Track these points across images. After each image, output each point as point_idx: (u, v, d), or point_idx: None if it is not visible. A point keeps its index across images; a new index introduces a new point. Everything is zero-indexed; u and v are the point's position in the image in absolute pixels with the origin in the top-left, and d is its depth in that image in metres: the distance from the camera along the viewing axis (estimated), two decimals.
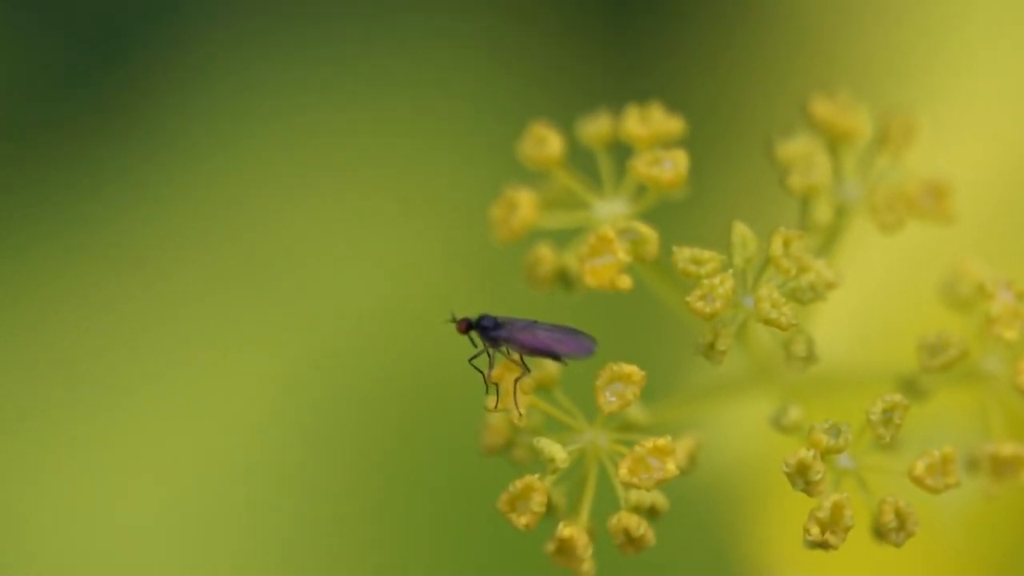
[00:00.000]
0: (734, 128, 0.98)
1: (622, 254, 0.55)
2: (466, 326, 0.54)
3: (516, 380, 0.53)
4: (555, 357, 0.54)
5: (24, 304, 1.11)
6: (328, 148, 1.13)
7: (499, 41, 1.15)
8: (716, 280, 0.54)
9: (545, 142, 0.57)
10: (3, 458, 1.07)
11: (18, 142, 1.15)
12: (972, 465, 0.56)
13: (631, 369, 0.53)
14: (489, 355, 0.54)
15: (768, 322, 0.54)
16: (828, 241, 0.58)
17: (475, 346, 0.54)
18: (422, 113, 1.13)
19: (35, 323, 1.10)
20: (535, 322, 0.54)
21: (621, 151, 0.57)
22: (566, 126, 0.57)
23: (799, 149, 0.57)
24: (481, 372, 0.53)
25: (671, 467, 0.52)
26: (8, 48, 1.15)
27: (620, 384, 0.53)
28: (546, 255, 0.57)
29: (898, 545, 0.54)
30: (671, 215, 0.57)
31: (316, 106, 1.14)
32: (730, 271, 0.54)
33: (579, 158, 0.57)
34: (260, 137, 1.13)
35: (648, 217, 0.56)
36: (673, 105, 0.57)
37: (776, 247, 0.54)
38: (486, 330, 0.54)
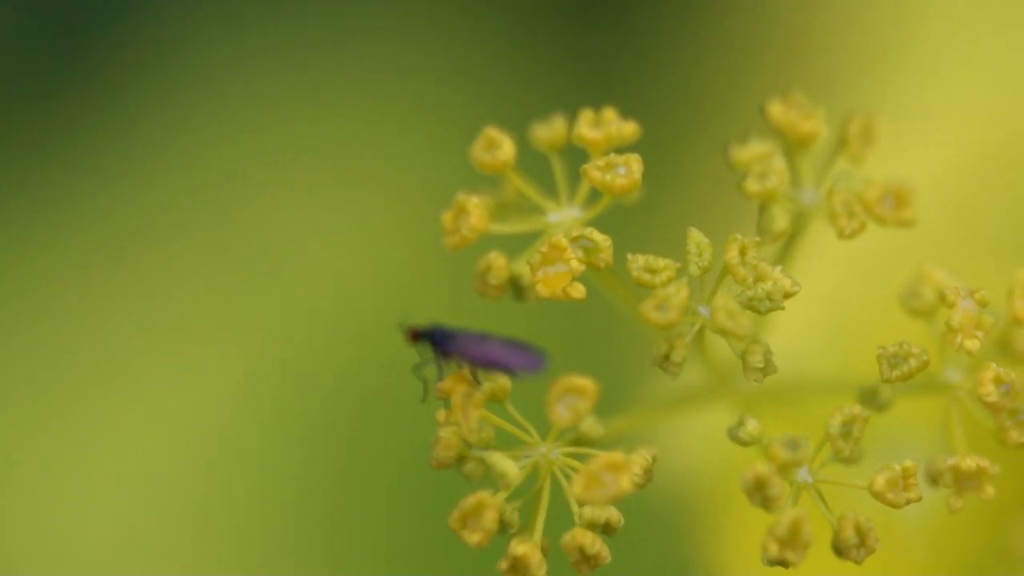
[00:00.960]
0: (693, 129, 0.96)
1: (575, 262, 0.53)
2: (415, 336, 0.53)
3: (466, 393, 0.52)
4: (506, 371, 0.52)
5: None
6: (297, 136, 1.12)
7: (467, 34, 1.14)
8: (671, 289, 0.52)
9: (497, 147, 0.55)
10: None
11: None
12: (933, 478, 0.55)
13: (584, 382, 0.51)
14: (439, 366, 0.52)
15: (724, 332, 0.52)
16: (786, 248, 0.57)
17: (424, 356, 0.52)
18: (395, 100, 1.12)
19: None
20: (487, 335, 0.53)
21: (577, 155, 0.56)
22: (523, 124, 0.56)
23: (756, 153, 0.56)
24: (424, 384, 0.52)
25: (625, 483, 0.51)
26: None
27: (573, 397, 0.51)
28: (498, 263, 0.55)
29: (858, 562, 0.53)
30: (626, 220, 0.56)
31: (288, 91, 1.12)
32: (685, 279, 0.53)
33: (536, 163, 0.56)
34: (230, 123, 1.12)
35: (602, 223, 0.55)
36: (631, 107, 0.55)
37: (732, 255, 0.53)
38: (436, 342, 0.52)
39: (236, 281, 1.09)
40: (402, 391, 1.01)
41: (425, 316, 0.54)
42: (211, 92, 1.12)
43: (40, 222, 1.11)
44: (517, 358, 0.52)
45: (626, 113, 0.56)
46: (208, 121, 1.12)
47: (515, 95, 1.10)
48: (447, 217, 0.56)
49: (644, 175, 0.55)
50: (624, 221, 0.56)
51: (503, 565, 0.52)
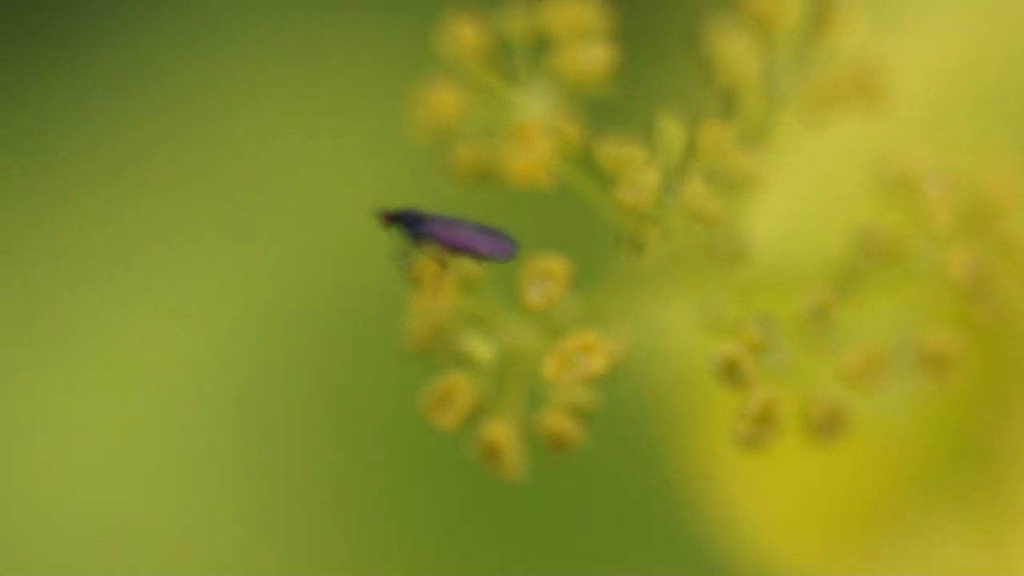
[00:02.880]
0: (662, 16, 0.96)
1: (544, 149, 0.53)
2: (389, 218, 0.52)
3: (438, 276, 0.52)
4: (475, 256, 0.52)
5: None
6: (266, 67, 1.11)
7: None
8: (641, 173, 0.52)
9: (463, 35, 0.55)
10: None
11: None
12: (903, 363, 0.55)
13: (556, 264, 0.51)
14: (412, 251, 0.52)
15: (695, 216, 0.52)
16: (757, 134, 0.56)
17: (398, 241, 0.52)
18: (351, 25, 1.11)
19: None
20: (460, 219, 0.52)
21: (542, 44, 0.55)
22: (485, 16, 0.55)
23: (726, 38, 0.56)
24: (400, 267, 0.52)
25: (597, 364, 0.51)
26: None
27: (545, 280, 0.51)
28: (467, 152, 0.55)
29: (829, 444, 0.53)
30: (595, 109, 0.55)
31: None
32: (655, 164, 0.52)
33: (499, 51, 0.56)
34: (218, 62, 1.11)
35: (571, 111, 0.55)
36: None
37: (703, 139, 0.53)
38: (408, 223, 0.52)
39: (228, 218, 1.08)
40: (391, 313, 1.01)
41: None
42: (204, 29, 1.11)
43: (35, 148, 1.10)
44: (488, 244, 0.52)
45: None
46: (199, 58, 1.11)
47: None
48: (414, 109, 0.55)
49: (613, 65, 0.55)
50: (595, 113, 0.56)
51: (476, 449, 0.52)
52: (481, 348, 0.51)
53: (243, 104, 1.10)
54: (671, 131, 0.53)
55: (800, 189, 0.69)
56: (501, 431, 0.52)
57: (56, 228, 1.09)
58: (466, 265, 0.53)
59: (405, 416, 0.98)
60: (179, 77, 1.11)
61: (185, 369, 1.06)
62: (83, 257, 1.08)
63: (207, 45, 1.12)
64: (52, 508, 1.03)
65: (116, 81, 1.11)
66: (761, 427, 0.52)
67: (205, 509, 1.03)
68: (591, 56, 0.54)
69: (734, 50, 0.55)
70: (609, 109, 0.56)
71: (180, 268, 1.07)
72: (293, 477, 1.04)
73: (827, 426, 0.53)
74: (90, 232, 1.08)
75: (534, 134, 0.53)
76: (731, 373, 0.52)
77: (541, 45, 0.56)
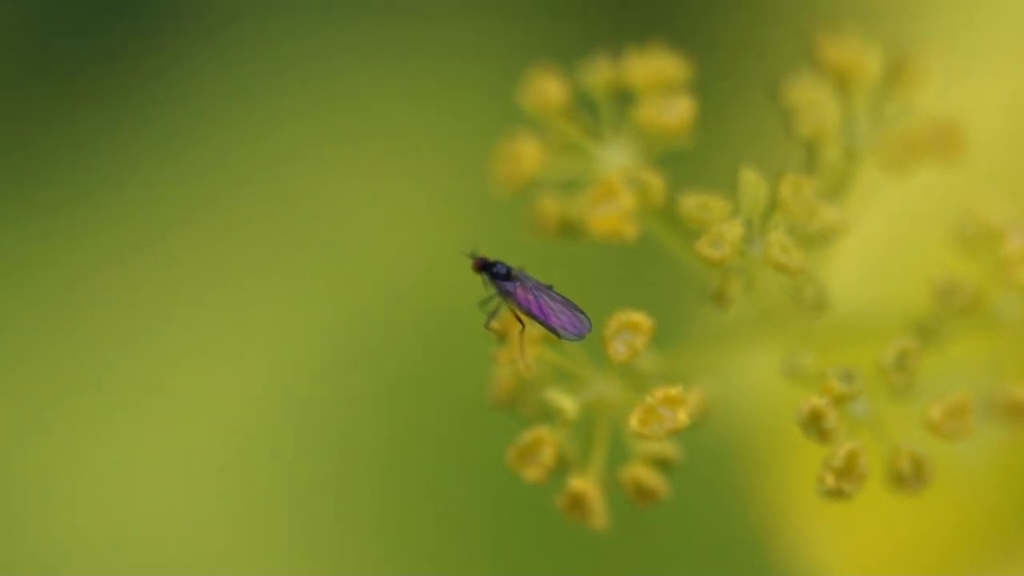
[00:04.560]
0: (740, 68, 0.96)
1: (627, 202, 0.53)
2: (480, 265, 0.53)
3: (522, 330, 0.52)
4: (546, 327, 0.52)
5: (26, 287, 1.10)
6: (329, 116, 1.12)
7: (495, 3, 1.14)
8: (724, 226, 0.53)
9: (545, 89, 0.56)
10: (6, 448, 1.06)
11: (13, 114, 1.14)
12: (988, 411, 0.55)
13: (640, 318, 0.52)
14: (498, 303, 0.53)
15: (778, 268, 0.53)
16: (837, 186, 0.57)
17: (486, 290, 0.53)
18: (422, 73, 1.12)
19: (37, 309, 1.09)
20: (547, 287, 0.53)
21: (625, 97, 0.56)
22: (567, 71, 0.56)
23: (806, 91, 0.56)
24: (488, 315, 0.52)
25: (682, 417, 0.51)
26: (13, 14, 1.14)
27: (629, 333, 0.52)
28: (550, 205, 0.56)
29: (914, 493, 0.53)
30: (676, 162, 0.56)
31: (319, 77, 1.13)
32: (738, 217, 0.53)
33: (581, 104, 0.56)
34: (265, 113, 1.12)
35: (654, 165, 0.55)
36: (678, 46, 0.56)
37: (785, 192, 0.53)
38: (496, 276, 0.53)
39: (287, 258, 1.09)
40: (451, 352, 1.02)
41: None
42: (240, 82, 1.13)
43: (88, 205, 1.11)
44: (562, 319, 0.52)
45: (673, 55, 0.56)
46: (245, 110, 1.12)
47: (555, 40, 1.10)
48: (498, 162, 0.56)
49: (695, 118, 0.55)
50: (676, 166, 0.56)
51: (562, 501, 0.52)
52: (566, 401, 0.52)
53: (307, 148, 1.11)
54: (753, 183, 0.54)
55: (880, 240, 0.69)
56: (586, 483, 0.52)
57: (121, 275, 1.10)
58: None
59: (485, 467, 0.98)
60: (240, 123, 1.12)
61: (247, 415, 1.06)
62: (144, 303, 1.09)
63: (269, 88, 1.13)
64: (109, 544, 1.04)
65: (178, 128, 1.13)
66: (845, 479, 0.52)
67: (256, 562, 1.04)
68: (674, 109, 0.55)
69: (814, 102, 0.56)
70: (686, 159, 0.57)
71: (244, 312, 1.08)
72: (349, 529, 1.04)
73: (912, 477, 0.53)
74: (152, 279, 1.09)
75: (617, 187, 0.54)
76: (815, 425, 0.52)
77: (623, 97, 0.56)
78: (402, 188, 1.09)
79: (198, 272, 1.09)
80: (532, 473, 0.52)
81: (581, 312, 0.53)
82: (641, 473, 0.52)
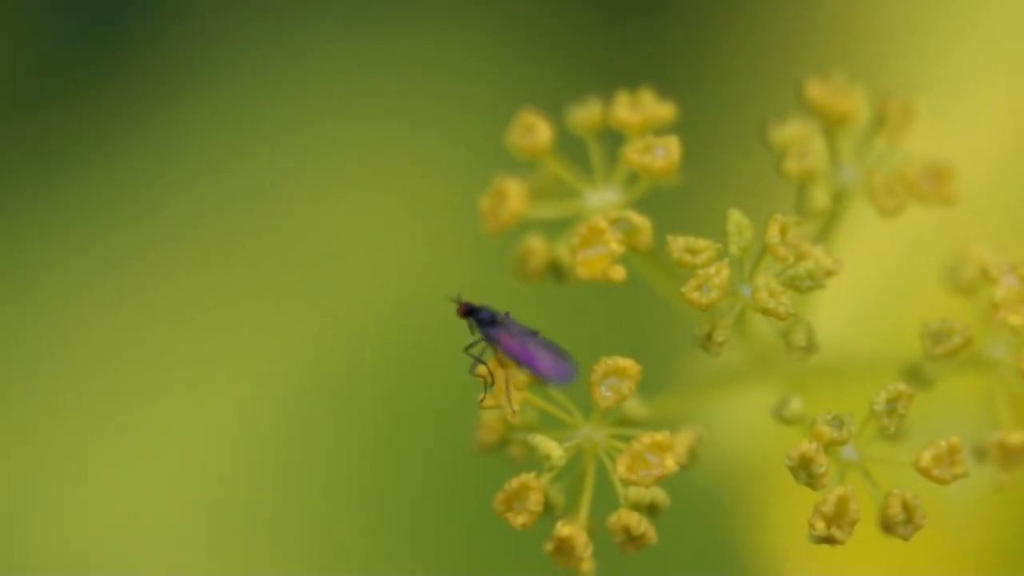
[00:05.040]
0: (729, 111, 0.96)
1: (614, 244, 0.53)
2: (465, 311, 0.53)
3: (509, 375, 0.52)
4: (531, 372, 0.52)
5: (24, 295, 1.09)
6: (317, 137, 1.12)
7: (492, 24, 1.14)
8: (712, 270, 0.52)
9: (534, 131, 0.55)
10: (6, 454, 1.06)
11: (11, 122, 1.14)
12: (980, 454, 0.55)
13: (626, 363, 0.51)
14: (483, 348, 0.52)
15: (766, 312, 0.52)
16: (826, 227, 0.56)
17: (471, 335, 0.53)
18: (416, 94, 1.12)
19: (36, 314, 1.09)
20: (531, 333, 0.53)
21: (613, 138, 0.55)
22: (556, 112, 0.56)
23: (795, 133, 0.56)
24: (473, 360, 0.52)
25: (670, 463, 0.51)
26: (6, 26, 1.14)
27: (616, 379, 0.51)
28: (537, 246, 0.55)
29: (906, 538, 0.53)
30: (664, 203, 0.56)
31: (311, 90, 1.13)
32: (726, 260, 0.52)
33: (570, 146, 0.56)
34: (258, 125, 1.12)
35: (641, 206, 0.55)
36: (666, 88, 0.55)
37: (772, 234, 0.53)
38: (481, 322, 0.52)
39: (271, 279, 1.09)
40: (433, 387, 1.01)
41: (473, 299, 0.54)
42: (237, 93, 1.12)
43: (78, 223, 1.11)
44: (547, 364, 0.52)
45: (661, 96, 0.56)
46: (239, 123, 1.12)
47: (541, 82, 1.10)
48: (485, 201, 0.56)
49: (682, 158, 0.55)
50: (662, 205, 0.56)
51: (549, 547, 0.52)
52: (552, 447, 0.51)
53: (300, 167, 1.11)
54: (741, 224, 0.53)
55: (870, 281, 0.68)
56: (573, 529, 0.52)
57: (107, 290, 1.10)
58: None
59: (475, 510, 0.98)
60: (231, 140, 1.12)
61: (233, 429, 1.06)
62: (130, 319, 1.08)
63: (261, 104, 1.13)
64: (88, 557, 1.04)
65: (168, 143, 1.12)
66: (836, 525, 0.51)
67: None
68: (662, 150, 0.54)
69: (803, 142, 0.56)
70: (672, 199, 0.57)
71: (231, 328, 1.08)
72: (333, 550, 1.04)
73: (903, 522, 0.53)
74: (139, 294, 1.09)
75: (604, 229, 0.53)
76: (806, 470, 0.51)
77: (611, 139, 0.56)
78: (390, 211, 1.09)
79: (185, 288, 1.09)
80: (520, 519, 0.51)
81: (567, 357, 0.52)
82: (629, 519, 0.52)
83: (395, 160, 1.11)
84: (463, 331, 0.53)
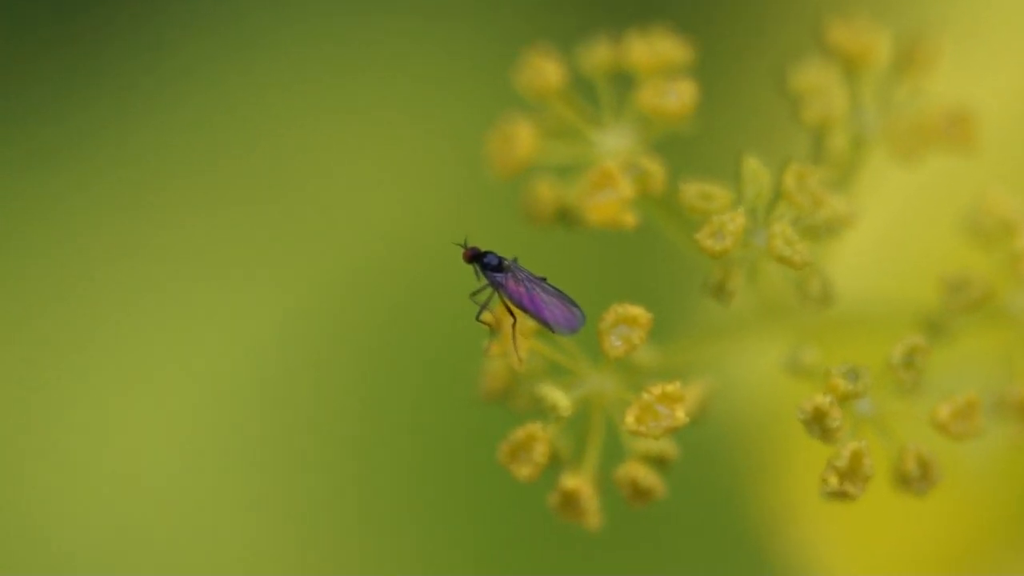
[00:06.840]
0: (746, 54, 0.94)
1: (626, 189, 0.51)
2: (471, 255, 0.51)
3: (515, 323, 0.50)
4: (538, 320, 0.50)
5: (18, 230, 1.09)
6: (325, 82, 1.10)
7: None
8: (726, 216, 0.51)
9: (542, 71, 0.54)
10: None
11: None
12: (997, 410, 0.53)
13: (637, 311, 0.50)
14: (490, 294, 0.51)
15: (782, 260, 0.51)
16: (844, 175, 0.55)
17: (477, 281, 0.51)
18: (418, 44, 1.11)
19: (27, 247, 1.08)
20: (541, 279, 0.51)
21: (624, 81, 0.54)
22: (565, 53, 0.54)
23: (813, 77, 0.54)
24: (479, 306, 0.51)
25: (680, 415, 0.49)
26: None
27: (626, 327, 0.50)
28: (545, 191, 0.54)
29: (920, 494, 0.51)
30: (677, 148, 0.54)
31: (312, 38, 1.11)
32: (741, 207, 0.51)
33: (579, 88, 0.54)
34: (258, 72, 1.11)
35: (653, 150, 0.53)
36: (680, 29, 0.54)
37: (789, 181, 0.51)
38: (487, 267, 0.51)
39: (269, 216, 1.08)
40: (440, 330, 1.00)
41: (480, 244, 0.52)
42: (234, 40, 1.11)
43: (76, 158, 1.10)
44: (554, 312, 0.51)
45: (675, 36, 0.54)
46: (236, 68, 1.11)
47: (549, 24, 1.08)
48: (492, 145, 0.54)
49: (696, 102, 0.53)
50: (673, 150, 0.54)
51: (554, 499, 0.51)
52: (560, 397, 0.50)
53: (296, 122, 1.10)
54: (756, 171, 0.52)
55: (888, 231, 0.67)
56: (580, 481, 0.50)
57: (107, 234, 1.09)
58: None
59: (474, 461, 0.97)
60: (225, 91, 1.11)
61: (222, 396, 1.05)
62: (114, 281, 1.07)
63: (274, 44, 1.11)
64: (76, 532, 1.03)
65: (171, 89, 1.11)
66: (849, 480, 0.50)
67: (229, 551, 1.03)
68: (675, 94, 0.53)
69: (822, 88, 0.54)
70: (687, 146, 0.55)
71: (220, 290, 1.07)
72: (329, 520, 1.03)
73: (918, 478, 0.51)
74: (125, 255, 1.08)
75: (615, 174, 0.52)
76: (819, 424, 0.50)
77: (623, 81, 0.54)
78: (393, 167, 1.08)
79: (174, 249, 1.07)
80: (524, 471, 0.50)
81: (574, 305, 0.51)
82: (637, 472, 0.50)
83: (397, 110, 1.10)
84: (470, 277, 0.52)
